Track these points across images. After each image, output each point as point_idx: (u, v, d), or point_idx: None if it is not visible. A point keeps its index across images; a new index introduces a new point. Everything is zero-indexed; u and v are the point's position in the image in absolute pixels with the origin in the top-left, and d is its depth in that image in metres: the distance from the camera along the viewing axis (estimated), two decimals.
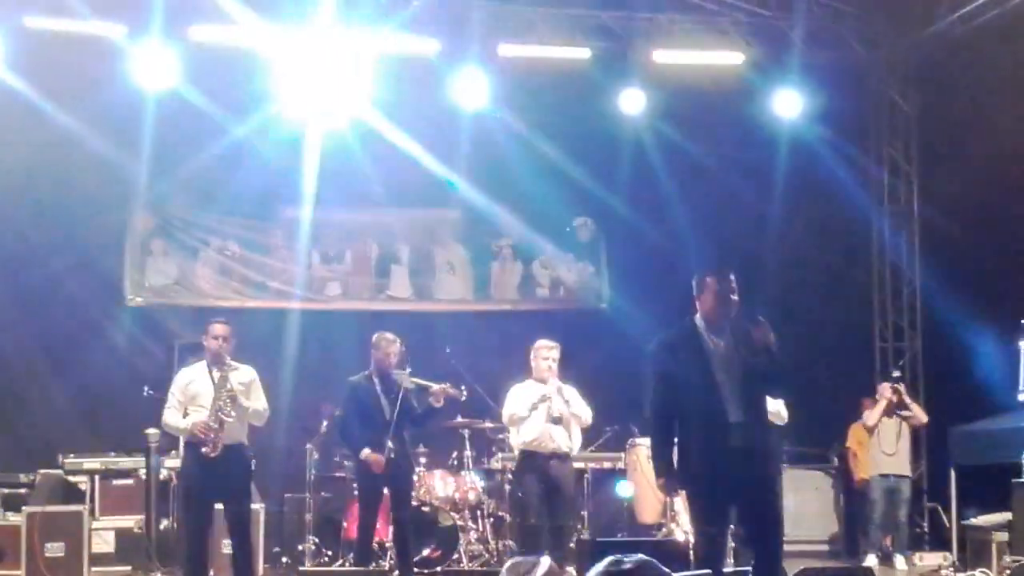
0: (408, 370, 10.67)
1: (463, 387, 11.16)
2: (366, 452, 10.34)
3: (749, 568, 8.20)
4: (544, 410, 10.64)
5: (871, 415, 13.63)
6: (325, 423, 12.44)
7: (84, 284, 14.01)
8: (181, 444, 12.29)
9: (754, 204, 14.94)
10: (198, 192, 14.59)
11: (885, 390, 13.62)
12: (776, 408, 10.72)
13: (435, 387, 10.61)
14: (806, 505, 14.04)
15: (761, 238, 14.78)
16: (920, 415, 13.61)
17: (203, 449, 9.51)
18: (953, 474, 13.62)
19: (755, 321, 7.67)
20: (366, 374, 10.57)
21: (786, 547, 8.10)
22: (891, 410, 13.48)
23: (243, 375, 9.82)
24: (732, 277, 7.76)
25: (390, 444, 10.30)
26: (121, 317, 14.13)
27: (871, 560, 12.68)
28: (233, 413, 9.60)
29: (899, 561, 13.16)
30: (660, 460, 7.78)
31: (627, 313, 14.70)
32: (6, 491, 12.27)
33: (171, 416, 9.88)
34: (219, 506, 9.91)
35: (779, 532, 7.84)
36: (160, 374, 13.36)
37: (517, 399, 10.80)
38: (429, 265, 15.38)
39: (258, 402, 9.86)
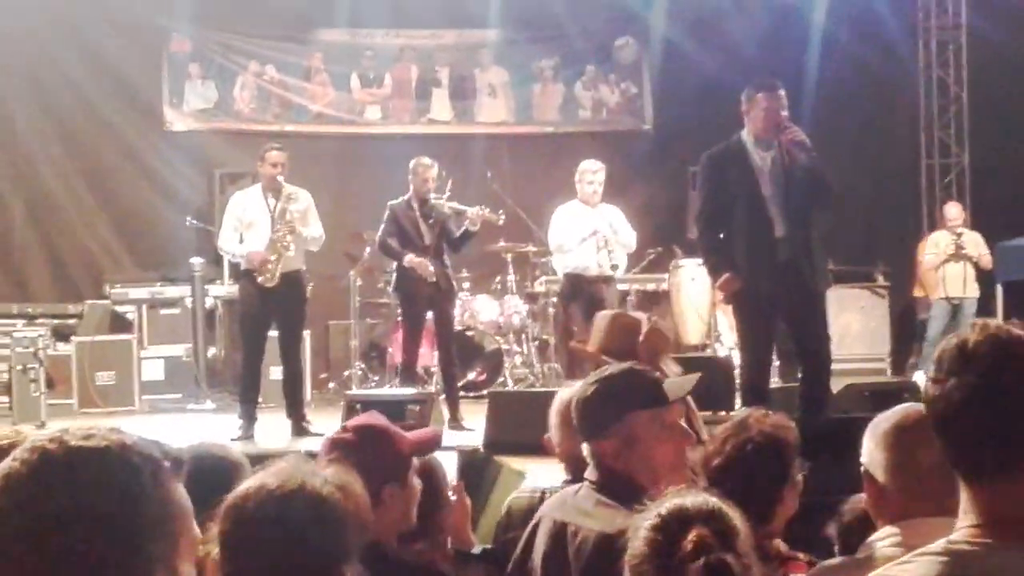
0: (447, 195, 10.59)
1: (501, 211, 11.12)
2: (410, 257, 10.28)
3: (795, 383, 8.21)
4: (592, 241, 10.56)
5: (931, 261, 13.45)
6: (367, 249, 12.43)
7: (122, 110, 13.92)
8: (226, 271, 12.46)
9: (799, 19, 14.63)
10: (234, 14, 14.39)
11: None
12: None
13: (471, 211, 10.54)
14: (852, 324, 13.98)
15: (806, 53, 14.48)
16: (986, 263, 13.35)
17: (259, 279, 9.53)
18: (1000, 290, 13.51)
19: (784, 126, 7.56)
20: (405, 199, 10.50)
21: (833, 366, 8.08)
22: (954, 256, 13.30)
23: (300, 202, 9.79)
24: (782, 92, 7.65)
25: (431, 268, 10.28)
26: (161, 144, 14.05)
27: (919, 377, 12.61)
28: (291, 243, 9.61)
29: (920, 377, 13.08)
30: (714, 263, 7.77)
31: (670, 134, 14.53)
32: (55, 322, 12.40)
33: (227, 242, 9.90)
34: (271, 332, 10.00)
35: (826, 345, 7.83)
36: (202, 202, 13.40)
37: (565, 228, 10.68)
38: (469, 88, 15.17)
39: (315, 229, 9.87)
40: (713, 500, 2.53)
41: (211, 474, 3.36)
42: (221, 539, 2.46)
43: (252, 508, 2.46)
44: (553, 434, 4.19)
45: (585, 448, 3.47)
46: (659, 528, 2.44)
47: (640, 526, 2.48)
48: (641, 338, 4.61)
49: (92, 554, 1.62)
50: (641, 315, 4.84)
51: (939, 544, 2.14)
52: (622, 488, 3.25)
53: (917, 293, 14.20)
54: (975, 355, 2.07)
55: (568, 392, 4.06)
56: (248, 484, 2.54)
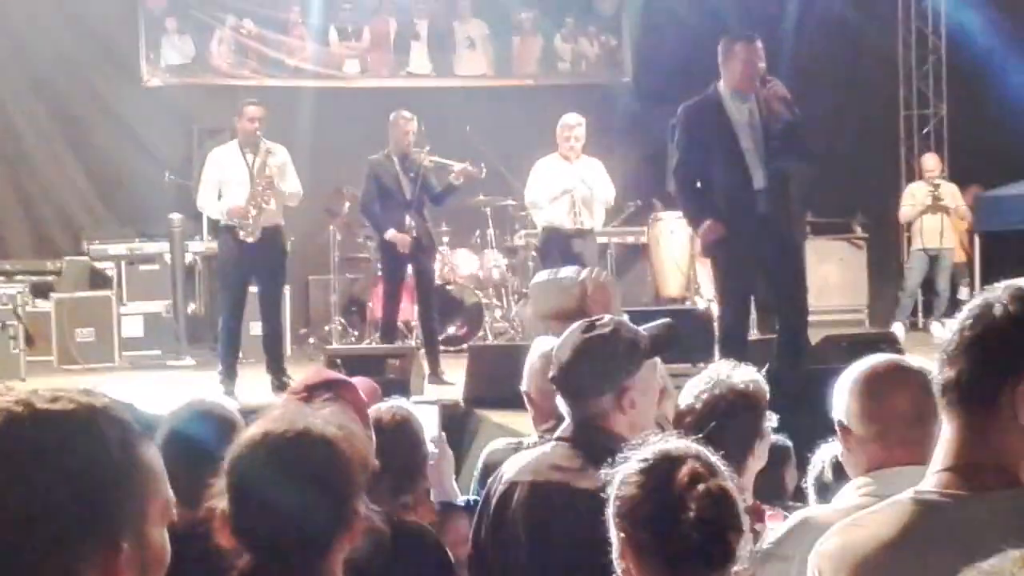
0: (427, 148, 10.58)
1: (482, 165, 11.13)
2: (391, 233, 10.33)
3: (773, 335, 8.26)
4: (565, 199, 10.57)
5: (905, 215, 13.50)
6: (347, 204, 12.42)
7: (99, 65, 13.83)
8: (205, 227, 12.45)
9: None
10: None
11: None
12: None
13: (455, 166, 10.56)
14: (830, 275, 14.02)
15: (784, 5, 14.46)
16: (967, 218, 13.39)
17: (240, 233, 9.54)
18: (977, 240, 13.58)
19: (765, 80, 7.59)
20: (385, 153, 10.50)
21: (811, 317, 8.14)
22: (931, 207, 13.29)
23: (278, 157, 9.78)
24: (759, 44, 7.66)
25: (411, 223, 10.30)
26: (138, 99, 13.95)
27: (897, 328, 12.68)
28: (271, 198, 9.61)
29: (936, 328, 13.17)
30: (694, 212, 7.80)
31: (650, 87, 14.49)
32: (34, 278, 12.36)
33: (206, 200, 9.90)
34: (251, 288, 9.99)
35: (804, 297, 7.88)
36: (180, 157, 13.35)
37: (537, 185, 10.71)
38: (449, 41, 15.11)
39: (293, 184, 9.88)
40: (692, 443, 2.57)
41: (206, 431, 3.37)
42: (230, 492, 2.45)
43: (263, 456, 2.45)
44: (532, 384, 4.19)
45: (566, 406, 3.44)
46: (649, 470, 2.48)
47: (625, 472, 2.50)
48: (589, 297, 4.59)
49: (54, 519, 1.60)
50: (581, 271, 4.78)
51: (908, 493, 2.17)
52: (606, 443, 3.23)
53: None
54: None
55: (548, 343, 4.06)
56: (251, 433, 2.52)
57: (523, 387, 4.29)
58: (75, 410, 1.66)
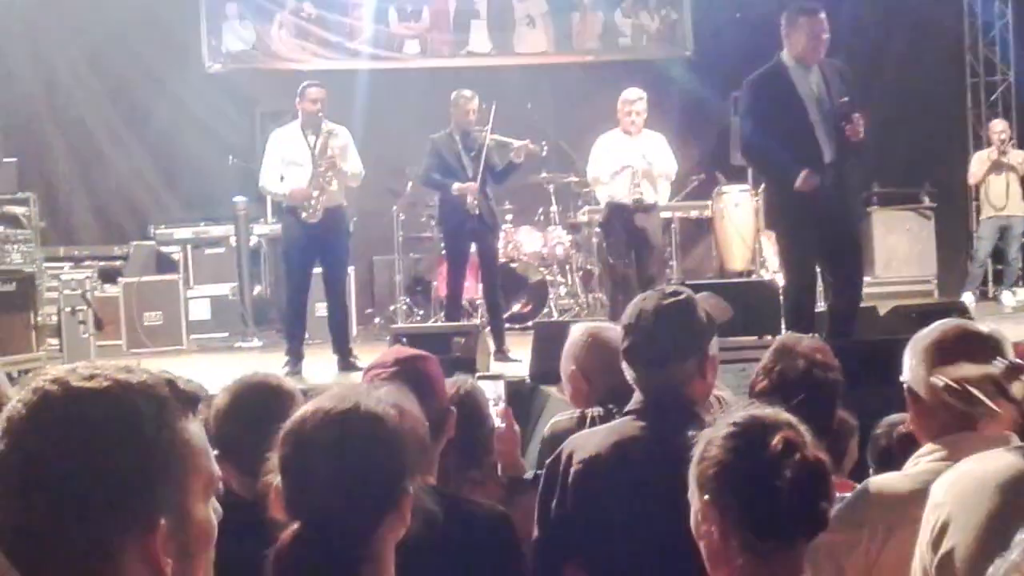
0: (489, 127, 10.56)
1: (543, 142, 11.09)
2: (457, 185, 10.30)
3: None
4: (626, 173, 10.53)
5: (973, 174, 13.31)
6: (409, 184, 12.44)
7: (161, 52, 13.91)
8: (269, 209, 12.52)
9: None
10: None
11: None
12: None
13: (516, 143, 10.54)
14: (898, 246, 13.88)
15: None
16: None
17: (303, 215, 9.59)
18: None
19: (848, 116, 7.45)
20: (447, 132, 10.49)
21: (880, 288, 8.07)
22: (997, 165, 13.10)
23: (339, 138, 9.81)
24: (823, 15, 7.58)
25: (474, 200, 10.28)
26: (201, 85, 14.04)
27: (967, 297, 12.53)
28: (333, 179, 9.65)
29: (1007, 297, 13.03)
30: (784, 171, 7.60)
31: (711, 60, 14.39)
32: (102, 264, 12.47)
33: (269, 181, 9.94)
34: (315, 269, 10.04)
35: (860, 272, 7.84)
36: (244, 141, 13.42)
37: (599, 160, 10.69)
38: (508, 19, 15.06)
39: (355, 165, 9.91)
40: (781, 411, 2.51)
41: (263, 404, 3.36)
42: (281, 465, 2.46)
43: (310, 431, 2.45)
44: (581, 362, 4.20)
45: (639, 376, 3.39)
46: (740, 435, 2.41)
47: (712, 436, 2.44)
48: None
49: (86, 498, 1.59)
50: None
51: None
52: (686, 409, 3.22)
53: None
54: None
55: (585, 325, 4.14)
56: (304, 408, 2.53)
57: (569, 367, 4.29)
58: (109, 387, 1.64)
